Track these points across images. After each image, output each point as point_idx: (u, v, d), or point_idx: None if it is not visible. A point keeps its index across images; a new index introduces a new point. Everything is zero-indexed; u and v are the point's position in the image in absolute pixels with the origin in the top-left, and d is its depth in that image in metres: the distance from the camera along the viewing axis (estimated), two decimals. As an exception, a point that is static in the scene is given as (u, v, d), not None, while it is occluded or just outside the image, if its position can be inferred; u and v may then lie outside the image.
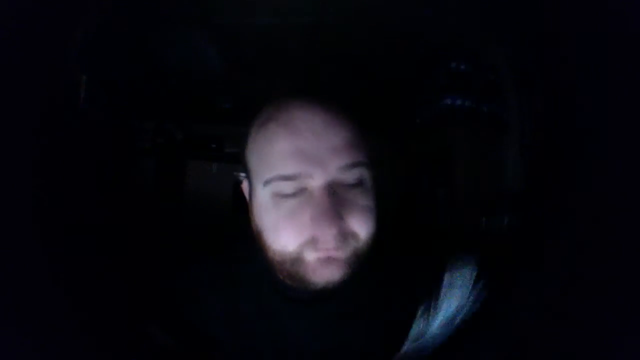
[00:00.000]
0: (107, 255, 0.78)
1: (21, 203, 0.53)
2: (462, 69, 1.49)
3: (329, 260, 0.49)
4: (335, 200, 0.49)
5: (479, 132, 1.49)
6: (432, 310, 0.55)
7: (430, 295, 0.55)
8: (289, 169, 0.50)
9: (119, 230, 1.03)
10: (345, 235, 0.49)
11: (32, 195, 0.55)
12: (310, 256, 0.50)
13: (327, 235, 0.48)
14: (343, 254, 0.48)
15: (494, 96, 1.46)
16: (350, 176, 0.51)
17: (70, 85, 0.98)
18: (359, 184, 0.51)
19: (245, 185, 0.59)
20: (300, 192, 0.50)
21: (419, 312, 0.54)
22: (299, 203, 0.50)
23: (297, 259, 0.50)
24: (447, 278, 0.55)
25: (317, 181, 0.49)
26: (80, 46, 0.87)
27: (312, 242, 0.49)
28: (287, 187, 0.50)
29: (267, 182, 0.51)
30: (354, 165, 0.51)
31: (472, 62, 1.49)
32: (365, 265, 0.50)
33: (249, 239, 0.58)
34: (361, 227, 0.50)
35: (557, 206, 0.59)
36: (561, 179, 0.61)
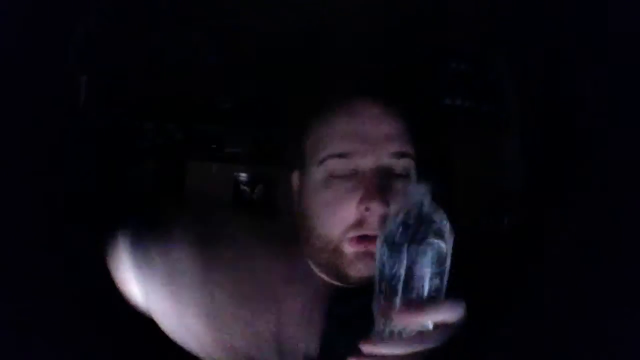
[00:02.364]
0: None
1: (21, 203, 0.53)
2: (463, 69, 1.49)
3: (366, 254, 0.51)
4: (384, 184, 0.53)
5: (479, 132, 1.49)
6: None
7: None
8: (344, 146, 0.54)
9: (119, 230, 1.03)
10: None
11: (33, 195, 0.55)
12: (349, 249, 0.53)
13: (373, 216, 0.51)
14: None
15: (494, 96, 1.46)
16: (399, 165, 0.55)
17: (70, 85, 0.98)
18: (405, 175, 0.55)
19: (295, 176, 0.62)
20: (352, 175, 0.54)
21: None
22: (350, 186, 0.53)
23: (337, 249, 0.53)
24: None
25: (368, 162, 0.53)
26: (80, 46, 0.87)
27: (357, 224, 0.52)
28: (340, 166, 0.54)
29: (322, 161, 0.55)
30: (403, 154, 0.55)
31: (473, 63, 1.49)
32: None
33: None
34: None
35: (557, 206, 0.59)
36: (561, 179, 0.61)
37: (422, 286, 0.36)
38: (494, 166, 1.46)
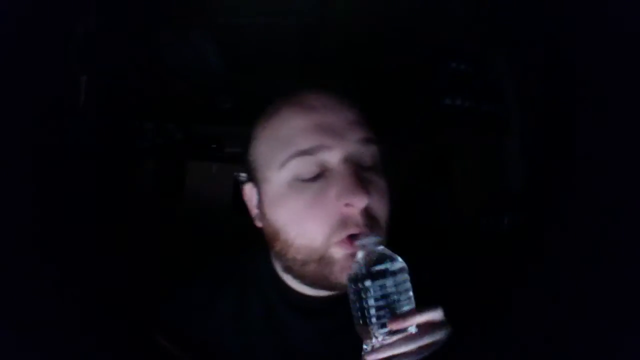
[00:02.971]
0: (108, 256, 0.78)
1: (22, 203, 0.53)
2: (463, 69, 1.50)
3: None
4: (358, 174, 0.47)
5: (479, 132, 1.49)
6: None
7: None
8: (307, 142, 0.48)
9: (119, 231, 1.03)
10: (370, 216, 0.47)
11: (33, 195, 0.55)
12: (339, 253, 0.47)
13: (356, 210, 0.46)
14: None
15: (494, 96, 1.46)
16: (367, 152, 0.50)
17: (70, 85, 0.99)
18: (373, 165, 0.50)
19: (248, 189, 0.55)
20: (320, 175, 0.48)
21: None
22: (321, 186, 0.48)
23: (324, 257, 0.48)
24: None
25: (336, 154, 0.48)
26: (80, 46, 0.87)
27: (341, 224, 0.47)
28: (306, 166, 0.48)
29: (284, 163, 0.49)
30: (369, 140, 0.50)
31: (473, 63, 1.49)
32: None
33: (253, 245, 0.57)
34: (381, 210, 0.49)
35: (557, 206, 0.59)
36: (561, 179, 0.61)
37: (394, 304, 0.43)
38: (494, 166, 1.46)
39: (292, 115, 0.51)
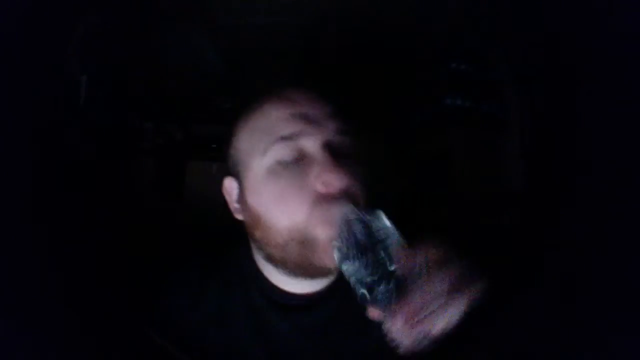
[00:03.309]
0: (106, 256, 0.78)
1: (21, 203, 0.53)
2: (462, 69, 1.49)
3: None
4: (336, 156, 0.50)
5: (479, 132, 1.49)
6: None
7: None
8: (288, 129, 0.51)
9: (118, 231, 1.03)
10: (350, 197, 0.48)
11: (32, 195, 0.55)
12: (322, 235, 0.47)
13: (335, 191, 0.48)
14: None
15: (494, 96, 1.46)
16: (345, 142, 0.53)
17: (70, 85, 0.98)
18: (351, 154, 0.52)
19: (228, 182, 0.57)
20: (300, 160, 0.51)
21: None
22: (301, 168, 0.50)
23: (306, 238, 0.48)
24: None
25: (316, 141, 0.51)
26: (80, 46, 0.87)
27: (321, 202, 0.48)
28: (287, 151, 0.51)
29: (266, 150, 0.51)
30: (347, 131, 0.53)
31: (472, 62, 1.49)
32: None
33: (237, 242, 0.59)
34: (359, 195, 0.50)
35: (557, 206, 0.60)
36: (561, 179, 0.61)
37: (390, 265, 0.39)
38: (494, 166, 1.46)
39: (273, 107, 0.54)
